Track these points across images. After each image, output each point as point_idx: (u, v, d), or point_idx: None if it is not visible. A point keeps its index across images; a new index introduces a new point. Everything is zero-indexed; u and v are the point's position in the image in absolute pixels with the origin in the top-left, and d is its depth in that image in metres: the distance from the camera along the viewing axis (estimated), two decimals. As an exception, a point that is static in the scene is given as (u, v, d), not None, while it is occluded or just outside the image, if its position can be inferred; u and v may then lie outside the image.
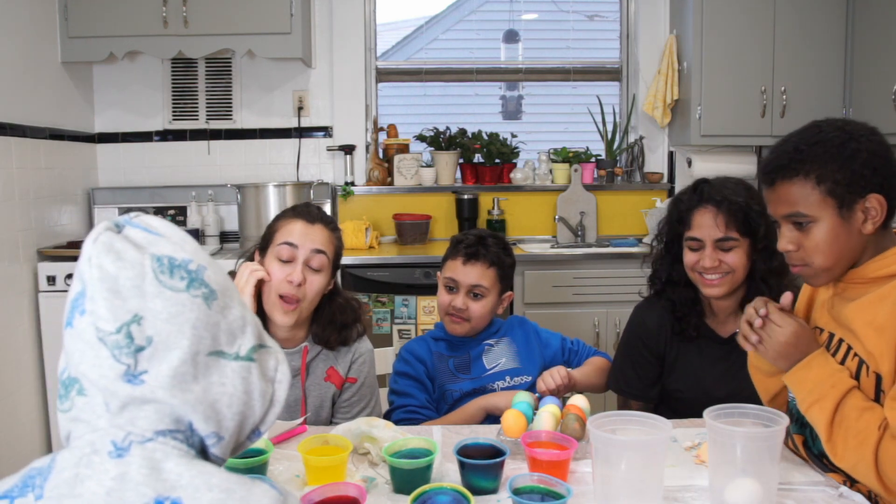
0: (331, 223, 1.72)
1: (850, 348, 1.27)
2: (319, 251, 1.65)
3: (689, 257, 1.73)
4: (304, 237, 1.65)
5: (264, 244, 1.71)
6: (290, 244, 1.64)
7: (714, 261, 1.68)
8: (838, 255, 1.27)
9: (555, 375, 1.72)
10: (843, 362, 1.27)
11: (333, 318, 1.72)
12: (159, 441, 0.68)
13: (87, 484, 0.66)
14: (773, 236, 1.72)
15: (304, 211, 1.71)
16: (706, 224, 1.69)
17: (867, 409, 1.20)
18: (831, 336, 1.32)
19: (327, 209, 3.53)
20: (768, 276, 1.70)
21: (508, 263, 1.90)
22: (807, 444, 1.37)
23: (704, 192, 1.72)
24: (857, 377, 1.24)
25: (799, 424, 1.38)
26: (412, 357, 1.87)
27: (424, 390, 1.83)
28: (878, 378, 1.22)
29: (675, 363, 1.80)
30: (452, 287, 1.86)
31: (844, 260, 1.29)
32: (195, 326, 0.70)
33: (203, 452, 0.73)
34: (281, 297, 1.62)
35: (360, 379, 1.74)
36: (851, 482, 1.26)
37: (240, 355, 0.73)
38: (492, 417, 1.72)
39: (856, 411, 1.20)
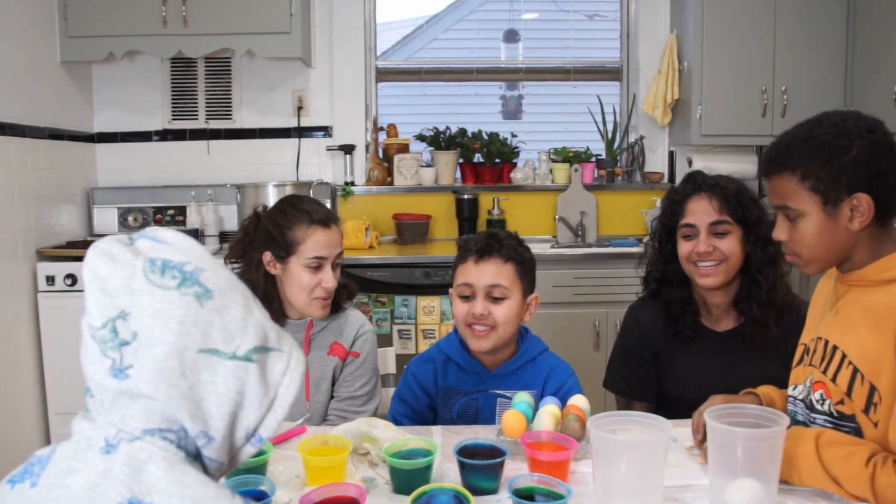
0: (336, 216, 1.83)
1: (844, 356, 1.26)
2: (340, 253, 1.80)
3: (683, 247, 1.74)
4: (328, 247, 1.75)
5: (285, 252, 1.73)
6: (321, 258, 1.74)
7: (708, 246, 1.70)
8: (825, 248, 1.30)
9: None
10: (836, 373, 1.27)
11: None
12: (146, 440, 0.69)
13: (75, 476, 0.67)
14: (766, 224, 1.74)
15: (321, 217, 1.76)
16: (700, 209, 1.73)
17: (846, 456, 1.18)
18: (826, 344, 1.32)
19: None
20: (763, 265, 1.72)
21: (527, 258, 1.68)
22: None
23: (697, 180, 1.77)
24: (849, 387, 1.24)
25: None
26: (417, 385, 1.72)
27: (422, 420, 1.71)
28: (872, 389, 1.21)
29: (671, 362, 1.80)
30: (468, 295, 1.63)
31: (832, 253, 1.30)
32: (182, 322, 0.70)
33: (198, 455, 0.73)
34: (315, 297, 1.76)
35: (362, 354, 1.82)
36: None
37: (237, 355, 0.73)
38: (492, 418, 1.70)
39: (838, 461, 1.18)
